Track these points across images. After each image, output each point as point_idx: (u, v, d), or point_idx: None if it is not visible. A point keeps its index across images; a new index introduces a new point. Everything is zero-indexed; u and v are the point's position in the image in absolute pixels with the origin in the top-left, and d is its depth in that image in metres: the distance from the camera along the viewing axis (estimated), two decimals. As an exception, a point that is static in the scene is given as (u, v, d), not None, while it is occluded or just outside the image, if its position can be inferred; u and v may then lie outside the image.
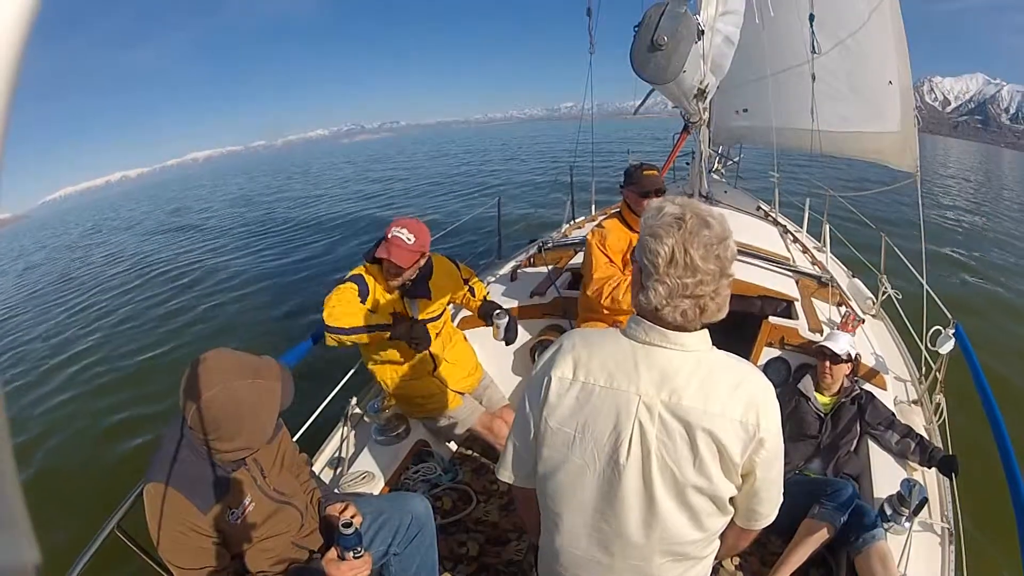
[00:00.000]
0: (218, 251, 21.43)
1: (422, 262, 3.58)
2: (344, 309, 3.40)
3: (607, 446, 1.56)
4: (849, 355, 3.78)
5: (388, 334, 3.49)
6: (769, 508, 1.67)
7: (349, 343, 3.48)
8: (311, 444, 3.51)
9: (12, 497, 0.40)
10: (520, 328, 4.68)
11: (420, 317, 3.70)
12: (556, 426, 1.62)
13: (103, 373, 10.55)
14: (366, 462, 3.64)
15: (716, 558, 1.82)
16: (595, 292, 3.98)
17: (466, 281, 4.05)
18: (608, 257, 4.02)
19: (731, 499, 1.61)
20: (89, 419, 8.77)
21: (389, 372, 3.80)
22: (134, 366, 10.61)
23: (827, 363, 3.77)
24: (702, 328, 1.57)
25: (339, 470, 3.54)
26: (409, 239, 3.42)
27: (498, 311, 3.93)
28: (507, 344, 3.98)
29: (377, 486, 3.49)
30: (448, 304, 4.00)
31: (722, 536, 1.73)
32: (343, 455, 3.65)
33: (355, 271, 3.61)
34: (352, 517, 2.37)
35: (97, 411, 9.00)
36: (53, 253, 33.65)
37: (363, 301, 3.49)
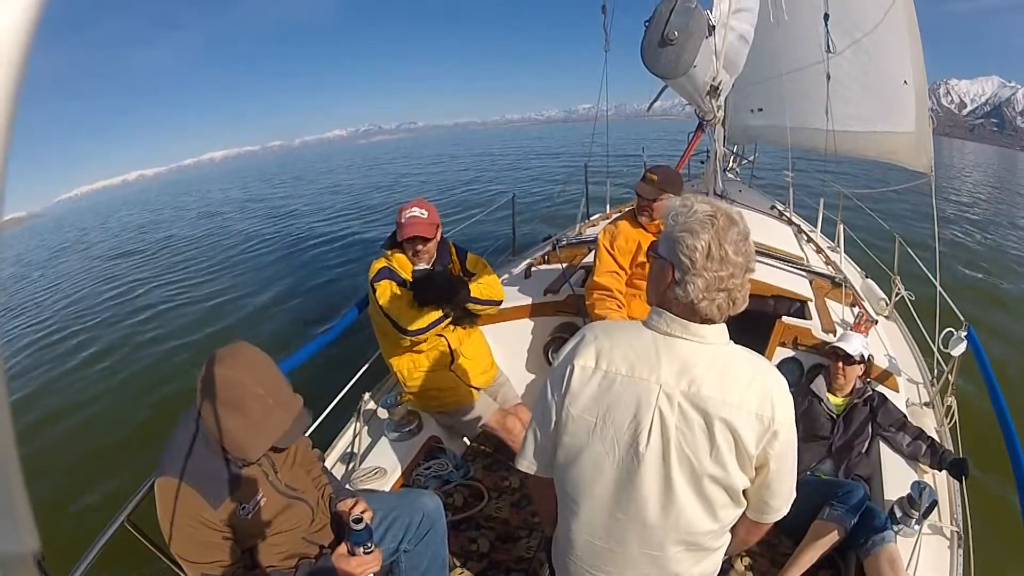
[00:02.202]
0: (236, 245, 21.58)
1: (439, 236, 3.72)
2: (410, 309, 3.62)
3: (627, 434, 1.59)
4: (862, 356, 3.77)
5: (448, 311, 3.73)
6: (781, 502, 1.69)
7: (424, 338, 3.69)
8: (324, 439, 3.53)
9: (14, 487, 0.41)
10: (533, 326, 4.68)
11: None
12: (577, 414, 1.65)
13: (114, 366, 10.66)
14: (378, 458, 3.64)
15: (727, 552, 1.84)
16: (587, 294, 4.15)
17: (471, 273, 4.06)
18: (615, 258, 4.07)
19: (744, 491, 1.64)
20: (98, 411, 8.88)
21: (407, 362, 3.85)
22: (146, 358, 10.70)
23: (840, 364, 3.76)
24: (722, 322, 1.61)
25: (351, 465, 3.54)
26: (423, 214, 3.60)
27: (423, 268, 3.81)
28: (419, 302, 3.70)
29: (389, 482, 3.49)
30: None
31: (733, 529, 1.76)
32: (355, 450, 3.65)
33: (379, 264, 3.70)
34: (363, 513, 2.38)
35: (107, 404, 9.11)
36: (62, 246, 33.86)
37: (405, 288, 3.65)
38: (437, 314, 3.65)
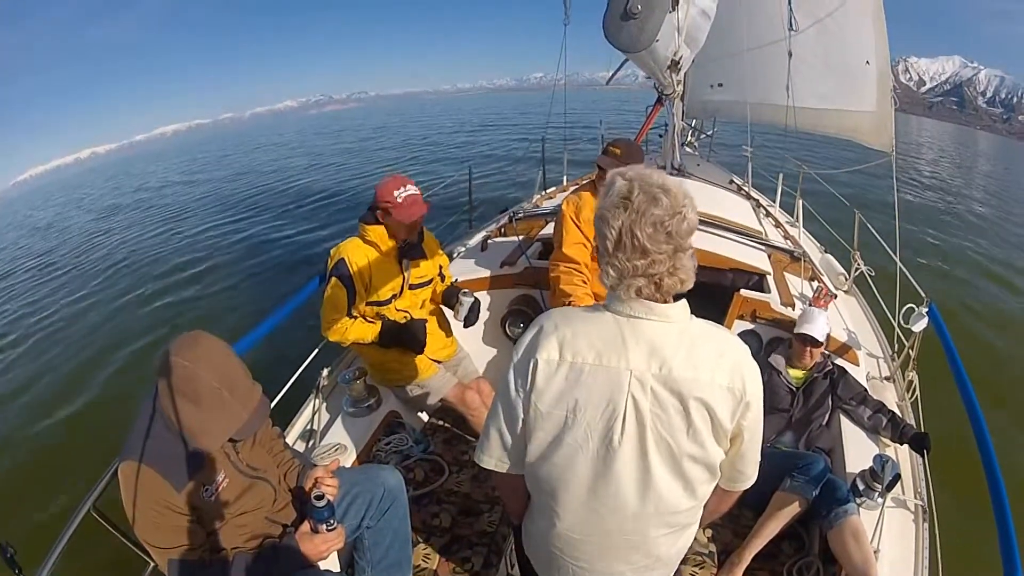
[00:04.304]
0: (195, 227, 21.29)
1: None
2: (341, 322, 3.55)
3: (601, 424, 1.54)
4: (827, 336, 3.80)
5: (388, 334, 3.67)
6: (753, 468, 1.71)
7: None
8: (283, 416, 3.48)
9: None
10: (491, 298, 4.67)
11: (411, 281, 3.76)
12: (546, 409, 1.59)
13: (80, 349, 10.51)
14: (338, 434, 3.61)
15: (700, 523, 1.85)
16: (552, 268, 4.13)
17: (439, 268, 4.08)
18: (580, 230, 4.04)
19: (719, 464, 1.62)
20: (61, 398, 8.70)
21: (372, 333, 3.79)
22: (112, 342, 10.51)
23: (808, 348, 3.78)
24: (673, 299, 1.55)
25: (311, 443, 3.51)
26: (416, 191, 3.51)
27: (465, 291, 3.99)
28: (464, 326, 4.06)
29: (349, 458, 3.47)
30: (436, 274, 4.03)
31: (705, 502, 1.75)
32: (315, 427, 3.62)
33: (337, 254, 3.58)
34: (327, 485, 2.41)
35: (68, 389, 8.95)
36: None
37: (351, 294, 3.55)
38: (368, 339, 3.64)
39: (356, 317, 3.63)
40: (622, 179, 1.50)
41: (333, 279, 3.52)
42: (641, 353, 1.51)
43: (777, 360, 3.89)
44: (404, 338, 3.65)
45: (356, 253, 3.56)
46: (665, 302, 1.53)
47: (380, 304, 3.67)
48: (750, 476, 1.72)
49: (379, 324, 3.65)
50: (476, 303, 3.94)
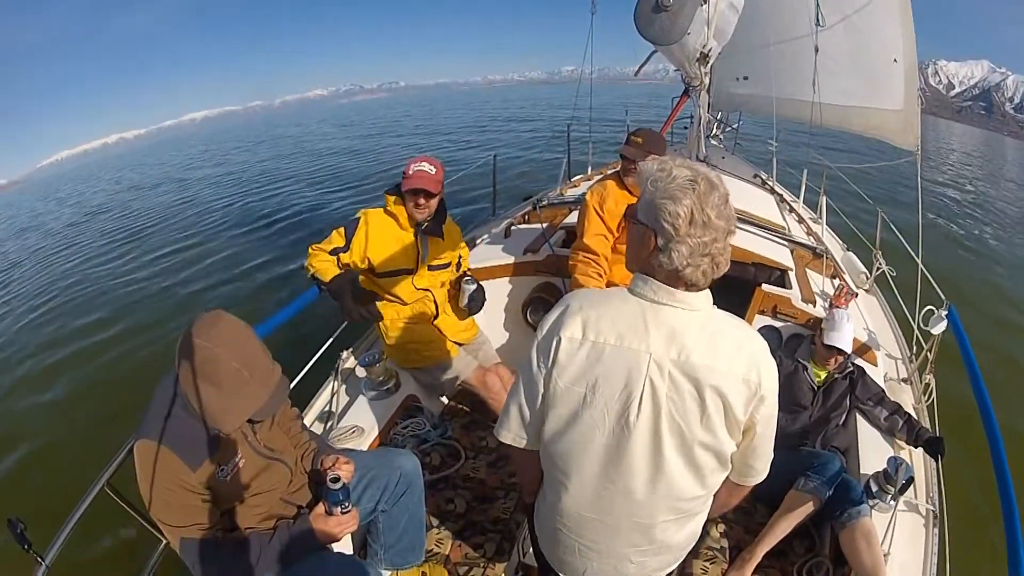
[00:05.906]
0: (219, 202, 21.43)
1: (441, 195, 3.80)
2: (319, 255, 3.61)
3: (617, 405, 1.57)
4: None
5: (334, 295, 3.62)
6: (763, 464, 1.72)
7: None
8: (301, 397, 3.50)
9: None
10: (512, 286, 4.68)
11: (430, 260, 3.84)
12: (566, 386, 1.62)
13: (94, 325, 10.60)
14: (356, 417, 3.63)
15: (708, 515, 1.86)
16: (573, 254, 4.13)
17: (459, 257, 4.15)
18: (604, 221, 4.04)
19: (730, 455, 1.64)
20: (76, 376, 8.80)
21: (391, 312, 3.86)
22: (134, 322, 10.62)
23: (835, 357, 3.76)
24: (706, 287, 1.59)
25: (329, 424, 3.53)
26: (431, 170, 3.65)
27: (467, 277, 4.02)
28: (469, 313, 4.08)
29: (366, 441, 3.48)
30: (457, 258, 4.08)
31: (715, 493, 1.77)
32: (333, 409, 3.64)
33: (361, 213, 3.75)
34: (343, 467, 2.42)
35: (85, 366, 9.07)
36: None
37: (344, 247, 3.64)
38: (323, 279, 3.59)
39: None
40: (679, 167, 1.54)
41: (342, 227, 3.68)
42: (661, 338, 1.54)
43: (802, 357, 3.87)
44: (343, 285, 3.57)
45: (374, 219, 3.72)
46: (702, 289, 1.57)
47: (393, 275, 3.77)
48: (760, 471, 1.73)
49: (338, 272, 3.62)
50: (478, 290, 3.98)
